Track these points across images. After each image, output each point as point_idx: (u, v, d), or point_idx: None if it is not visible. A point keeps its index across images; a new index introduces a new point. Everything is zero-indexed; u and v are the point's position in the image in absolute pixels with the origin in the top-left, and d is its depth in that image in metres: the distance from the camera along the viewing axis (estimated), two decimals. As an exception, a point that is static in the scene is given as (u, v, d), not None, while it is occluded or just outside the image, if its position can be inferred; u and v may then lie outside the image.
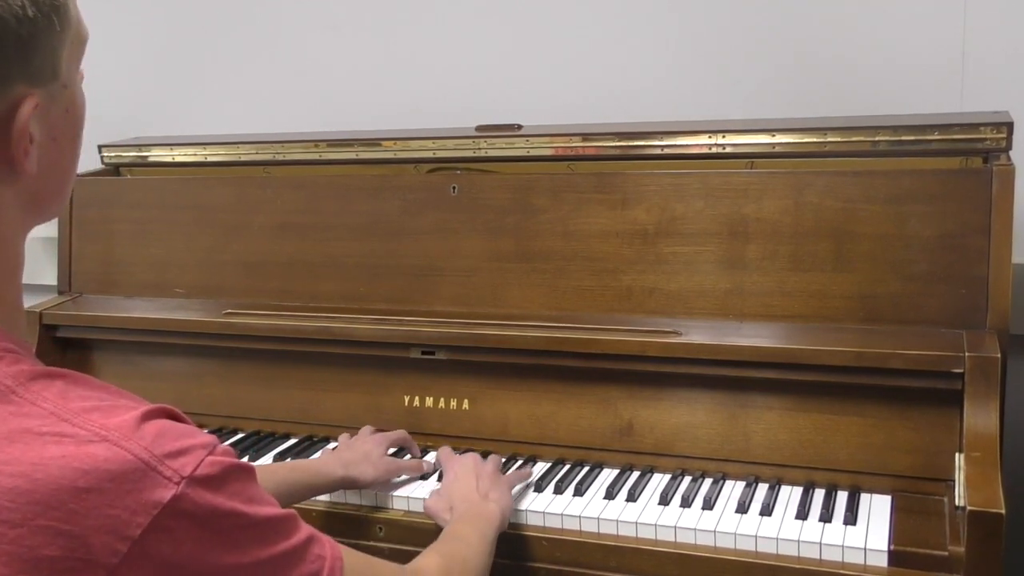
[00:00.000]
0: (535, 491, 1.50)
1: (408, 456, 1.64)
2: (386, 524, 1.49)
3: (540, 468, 1.57)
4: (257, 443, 1.75)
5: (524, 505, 1.45)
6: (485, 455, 1.55)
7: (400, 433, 1.64)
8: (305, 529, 0.92)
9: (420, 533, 1.44)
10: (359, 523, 1.51)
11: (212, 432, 1.76)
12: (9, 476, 0.75)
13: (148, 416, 0.81)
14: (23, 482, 0.75)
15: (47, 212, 0.94)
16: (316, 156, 1.88)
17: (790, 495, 1.44)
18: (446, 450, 1.57)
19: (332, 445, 1.67)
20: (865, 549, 1.28)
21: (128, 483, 0.76)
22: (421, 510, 1.47)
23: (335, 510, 1.53)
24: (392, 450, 1.63)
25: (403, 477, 1.57)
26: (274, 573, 0.87)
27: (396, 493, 1.53)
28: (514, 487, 1.46)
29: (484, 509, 1.33)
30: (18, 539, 0.74)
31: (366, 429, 1.65)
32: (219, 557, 0.82)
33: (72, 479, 0.75)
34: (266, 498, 0.89)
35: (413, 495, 1.51)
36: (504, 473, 1.49)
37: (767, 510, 1.39)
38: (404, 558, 1.18)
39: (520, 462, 1.60)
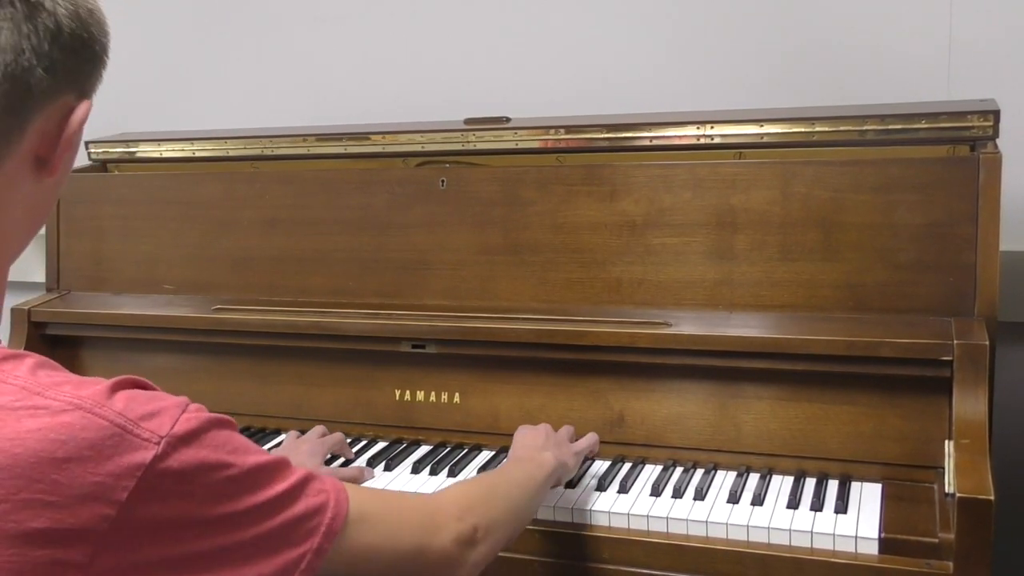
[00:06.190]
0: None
1: (341, 461, 1.62)
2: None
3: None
4: (248, 439, 1.74)
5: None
6: (487, 448, 1.57)
7: (337, 436, 1.62)
8: (300, 470, 0.92)
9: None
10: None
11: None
12: None
13: (117, 387, 0.82)
14: (2, 458, 0.74)
15: (26, 239, 0.95)
16: (304, 150, 1.88)
17: (781, 484, 1.44)
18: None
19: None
20: (856, 537, 1.29)
21: (107, 449, 0.77)
22: None
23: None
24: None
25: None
26: (273, 514, 0.86)
27: None
28: (582, 453, 1.48)
29: (538, 456, 1.35)
30: (4, 515, 0.74)
31: (314, 431, 1.63)
32: (210, 509, 0.82)
33: (51, 450, 0.75)
34: (252, 447, 0.88)
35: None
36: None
37: (758, 500, 1.39)
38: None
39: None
